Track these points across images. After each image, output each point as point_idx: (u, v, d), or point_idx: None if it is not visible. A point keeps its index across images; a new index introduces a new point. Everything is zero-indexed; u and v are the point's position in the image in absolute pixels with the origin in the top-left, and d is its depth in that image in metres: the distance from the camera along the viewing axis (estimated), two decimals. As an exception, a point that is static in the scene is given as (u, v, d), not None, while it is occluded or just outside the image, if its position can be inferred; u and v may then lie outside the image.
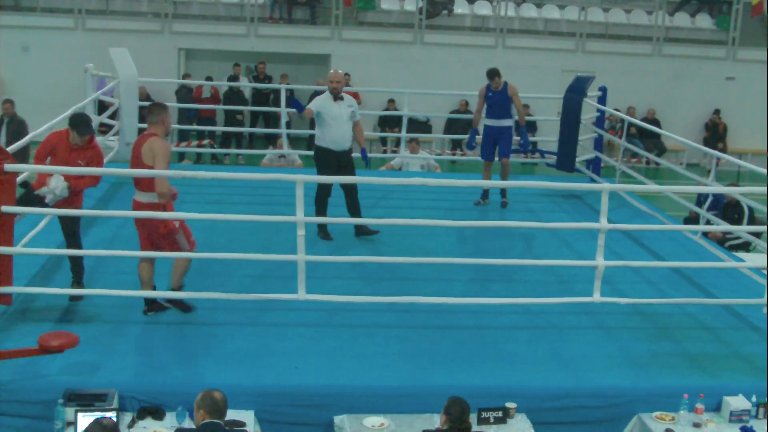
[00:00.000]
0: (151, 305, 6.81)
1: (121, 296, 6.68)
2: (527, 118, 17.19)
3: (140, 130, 13.13)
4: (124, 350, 6.15)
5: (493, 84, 10.21)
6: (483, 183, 10.00)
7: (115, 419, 5.20)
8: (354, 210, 8.82)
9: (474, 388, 5.80)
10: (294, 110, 8.79)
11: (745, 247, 10.48)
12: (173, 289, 6.91)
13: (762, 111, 18.17)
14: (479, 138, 10.52)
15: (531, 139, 16.77)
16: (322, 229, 8.80)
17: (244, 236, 8.67)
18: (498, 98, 10.24)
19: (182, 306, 6.87)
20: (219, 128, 16.33)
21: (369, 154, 9.41)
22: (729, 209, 10.49)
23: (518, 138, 10.55)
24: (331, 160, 8.66)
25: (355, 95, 9.25)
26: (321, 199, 8.78)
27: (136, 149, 6.73)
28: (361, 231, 8.88)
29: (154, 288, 6.88)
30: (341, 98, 8.69)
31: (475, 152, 17.69)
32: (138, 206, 6.73)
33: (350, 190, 8.81)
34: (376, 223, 8.18)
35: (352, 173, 8.85)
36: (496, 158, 10.47)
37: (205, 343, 6.35)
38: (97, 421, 4.43)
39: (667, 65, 19.50)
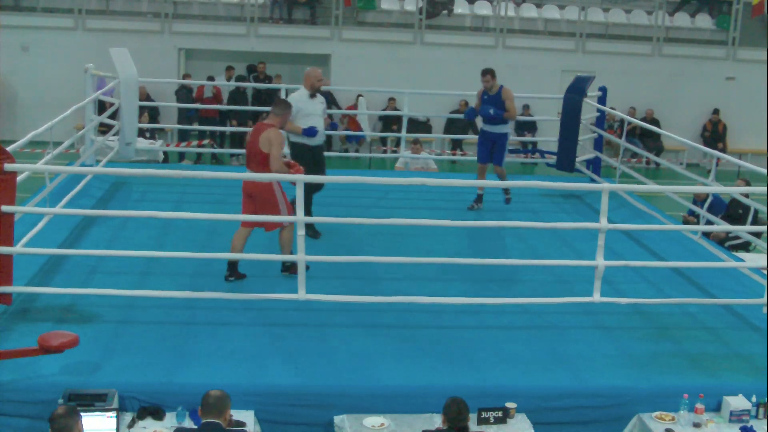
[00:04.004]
0: (233, 272, 7.46)
1: (121, 296, 6.68)
2: (527, 118, 17.42)
3: (140, 130, 13.21)
4: (124, 350, 6.15)
5: (485, 83, 9.98)
6: (482, 183, 9.98)
7: (115, 419, 5.21)
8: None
9: (474, 388, 5.80)
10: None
11: (745, 246, 10.49)
12: (286, 261, 7.46)
13: (762, 111, 18.18)
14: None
15: (531, 138, 16.98)
16: (310, 226, 8.82)
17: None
18: (492, 102, 10.01)
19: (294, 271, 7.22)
20: (219, 128, 16.36)
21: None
22: (733, 206, 10.46)
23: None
24: (306, 155, 8.79)
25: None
26: (308, 197, 8.76)
27: (253, 136, 7.41)
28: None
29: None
30: (316, 95, 8.94)
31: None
32: (246, 186, 7.43)
33: (317, 186, 8.95)
34: (378, 223, 8.16)
35: (323, 167, 9.10)
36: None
37: (205, 343, 6.35)
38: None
39: (667, 65, 19.50)
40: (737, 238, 10.52)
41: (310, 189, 8.83)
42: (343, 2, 18.72)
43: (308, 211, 8.85)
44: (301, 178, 6.80)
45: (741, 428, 5.70)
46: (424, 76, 18.02)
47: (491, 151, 10.26)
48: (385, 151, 17.45)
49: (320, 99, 9.03)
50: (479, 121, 10.41)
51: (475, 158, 15.98)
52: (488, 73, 9.99)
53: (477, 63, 18.53)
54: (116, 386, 5.52)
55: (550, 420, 5.84)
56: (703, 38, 20.32)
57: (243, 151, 16.83)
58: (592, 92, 11.99)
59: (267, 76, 18.02)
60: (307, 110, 8.86)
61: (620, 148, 11.96)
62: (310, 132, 8.77)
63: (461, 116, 17.54)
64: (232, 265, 7.51)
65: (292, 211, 7.33)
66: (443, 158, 15.98)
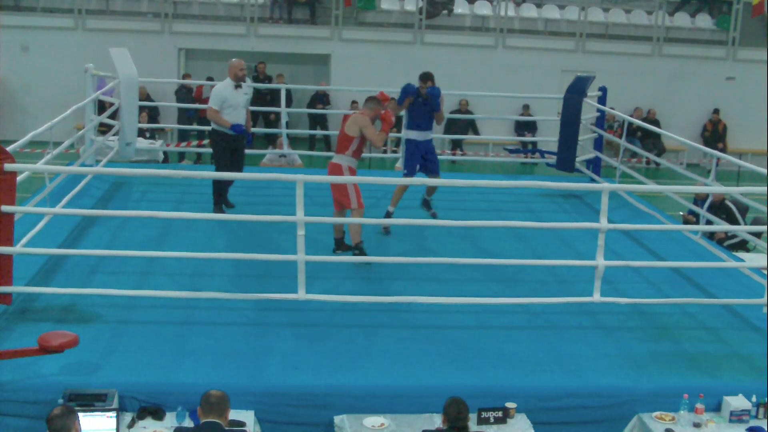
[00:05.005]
0: (339, 246, 8.31)
1: (121, 296, 6.68)
2: (527, 118, 17.44)
3: (140, 130, 13.20)
4: (124, 350, 6.15)
5: (424, 89, 9.29)
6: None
7: (115, 419, 5.21)
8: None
9: (474, 388, 5.80)
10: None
11: (742, 245, 10.47)
12: (353, 245, 8.03)
13: (762, 111, 18.16)
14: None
15: (531, 138, 16.99)
16: (218, 204, 9.47)
17: (244, 236, 8.67)
18: (427, 107, 9.34)
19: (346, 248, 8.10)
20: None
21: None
22: (713, 210, 10.40)
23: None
24: (224, 143, 9.36)
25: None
26: (223, 189, 9.53)
27: (343, 124, 8.26)
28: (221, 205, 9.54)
29: (342, 231, 8.33)
30: (240, 86, 9.29)
31: (476, 152, 17.81)
32: (333, 167, 8.22)
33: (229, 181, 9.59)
34: (377, 223, 8.18)
35: (243, 155, 9.66)
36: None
37: (205, 343, 6.35)
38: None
39: (667, 65, 19.49)
40: (733, 237, 10.50)
41: (225, 183, 9.50)
42: (343, 2, 18.72)
43: (225, 203, 9.55)
44: (302, 178, 6.79)
45: (748, 429, 5.70)
46: (424, 76, 17.97)
47: (424, 162, 9.51)
48: (385, 151, 17.45)
49: (244, 90, 9.36)
50: (409, 132, 9.57)
51: (477, 158, 16.05)
52: (430, 79, 9.42)
53: (477, 63, 18.74)
54: (116, 386, 5.52)
55: (550, 420, 5.84)
56: (703, 38, 20.31)
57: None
58: (592, 92, 11.99)
59: (267, 76, 18.02)
60: (232, 101, 9.22)
61: (620, 148, 11.97)
62: (237, 129, 9.23)
63: (461, 116, 17.67)
64: (338, 241, 8.37)
65: (360, 200, 8.08)
66: (443, 158, 15.91)
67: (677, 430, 5.66)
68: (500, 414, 5.63)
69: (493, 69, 18.64)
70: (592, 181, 11.53)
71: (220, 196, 9.51)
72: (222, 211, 9.40)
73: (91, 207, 9.28)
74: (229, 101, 9.23)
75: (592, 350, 6.55)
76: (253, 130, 17.12)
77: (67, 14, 18.39)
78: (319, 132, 17.27)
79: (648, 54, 19.59)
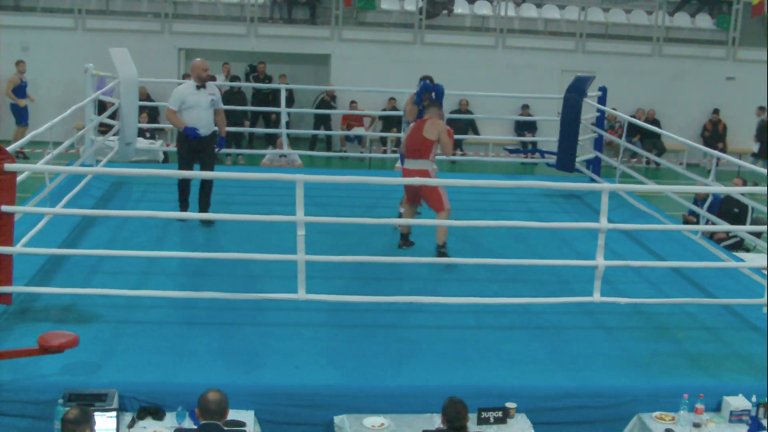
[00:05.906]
0: (405, 241, 8.49)
1: (121, 296, 6.68)
2: (527, 118, 17.44)
3: (140, 130, 13.20)
4: (124, 350, 6.16)
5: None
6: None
7: (115, 419, 5.21)
8: (204, 197, 9.17)
9: (474, 388, 5.80)
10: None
11: (740, 245, 10.48)
12: (439, 247, 8.08)
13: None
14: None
15: (531, 138, 17.01)
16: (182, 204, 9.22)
17: (244, 236, 8.67)
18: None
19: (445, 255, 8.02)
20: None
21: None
22: (728, 204, 10.41)
23: None
24: (188, 145, 9.08)
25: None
26: (183, 185, 9.26)
27: (417, 129, 8.41)
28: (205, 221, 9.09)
29: (409, 227, 8.51)
30: (204, 87, 9.12)
31: (476, 152, 17.81)
32: (406, 172, 8.33)
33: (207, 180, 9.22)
34: (377, 223, 8.16)
35: (212, 158, 9.23)
36: None
37: (205, 343, 6.35)
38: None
39: (667, 65, 19.49)
40: (733, 237, 10.50)
41: (185, 183, 9.18)
42: (343, 2, 18.72)
43: (186, 203, 9.29)
44: (301, 178, 6.78)
45: (748, 429, 5.70)
46: (424, 76, 17.97)
47: None
48: (385, 151, 17.45)
49: (209, 90, 9.16)
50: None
51: (476, 158, 16.02)
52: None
53: (477, 63, 18.74)
54: (116, 386, 5.52)
55: (550, 420, 5.84)
56: (703, 38, 20.31)
57: (243, 151, 17.03)
58: (592, 92, 11.99)
59: (267, 76, 18.02)
60: (192, 102, 9.05)
61: (620, 148, 11.96)
62: (190, 132, 8.98)
63: (461, 116, 17.66)
64: (404, 236, 8.49)
65: (448, 202, 8.16)
66: (443, 158, 15.93)
67: (677, 430, 5.66)
68: (500, 414, 5.64)
69: (493, 69, 18.64)
70: (592, 181, 11.52)
71: (184, 195, 9.27)
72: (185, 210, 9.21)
73: (91, 207, 9.28)
74: (188, 102, 9.08)
75: (592, 350, 6.55)
76: (253, 130, 17.27)
77: (67, 14, 18.38)
78: (321, 132, 17.24)
79: (648, 54, 19.59)
